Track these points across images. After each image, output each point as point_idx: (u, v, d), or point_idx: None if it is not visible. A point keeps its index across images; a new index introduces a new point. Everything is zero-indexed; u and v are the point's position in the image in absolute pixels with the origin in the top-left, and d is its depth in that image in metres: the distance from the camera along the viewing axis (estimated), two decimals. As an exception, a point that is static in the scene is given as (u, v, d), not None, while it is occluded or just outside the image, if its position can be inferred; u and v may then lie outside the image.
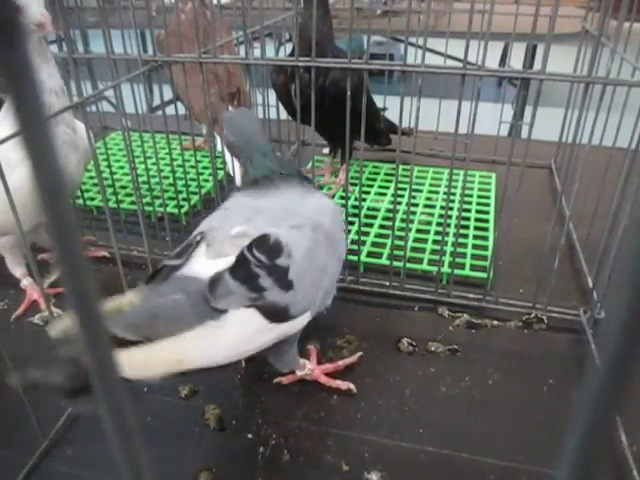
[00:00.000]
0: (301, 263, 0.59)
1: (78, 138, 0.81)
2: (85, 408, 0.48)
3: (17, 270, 0.86)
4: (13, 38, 0.10)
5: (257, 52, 0.78)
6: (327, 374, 0.71)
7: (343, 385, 0.70)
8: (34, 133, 0.12)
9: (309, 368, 0.70)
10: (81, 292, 0.14)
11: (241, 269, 0.56)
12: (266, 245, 0.58)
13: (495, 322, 0.81)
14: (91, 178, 1.20)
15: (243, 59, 0.75)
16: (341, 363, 0.73)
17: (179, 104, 1.07)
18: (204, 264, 0.58)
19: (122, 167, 1.28)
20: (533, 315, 0.81)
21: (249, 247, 0.58)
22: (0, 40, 0.10)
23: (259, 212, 0.63)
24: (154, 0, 1.06)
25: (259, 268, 0.57)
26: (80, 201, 1.05)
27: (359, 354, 0.74)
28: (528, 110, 1.05)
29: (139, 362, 0.49)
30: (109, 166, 0.98)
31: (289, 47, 1.56)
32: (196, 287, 0.55)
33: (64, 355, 0.47)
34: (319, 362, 0.73)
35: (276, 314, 0.57)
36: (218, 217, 0.65)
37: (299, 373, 0.70)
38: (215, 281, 0.55)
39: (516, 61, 1.62)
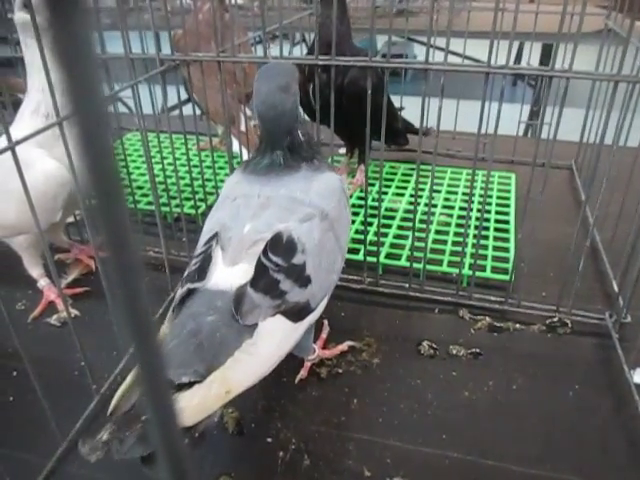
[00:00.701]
0: (316, 256, 0.59)
1: None
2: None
3: (34, 270, 0.86)
4: (73, 12, 0.09)
5: (273, 52, 0.77)
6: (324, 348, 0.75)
7: (344, 347, 0.75)
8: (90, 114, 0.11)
9: (317, 353, 0.71)
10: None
11: (262, 279, 0.56)
12: (280, 245, 0.58)
13: (518, 325, 0.79)
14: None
15: (261, 58, 0.74)
16: (323, 335, 0.76)
17: (190, 105, 1.06)
18: (225, 274, 0.58)
19: (138, 167, 1.28)
20: (557, 319, 0.79)
21: (265, 252, 0.57)
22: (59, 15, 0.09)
23: (266, 204, 0.61)
24: (170, 0, 1.06)
25: (278, 272, 0.56)
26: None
27: (348, 343, 0.76)
28: (547, 110, 1.03)
29: (196, 406, 0.48)
30: (126, 166, 0.97)
31: (302, 48, 1.56)
32: (223, 303, 0.55)
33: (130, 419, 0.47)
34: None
35: (299, 312, 0.57)
36: (228, 213, 0.63)
37: (311, 358, 0.71)
38: (239, 298, 0.55)
39: (532, 60, 1.60)
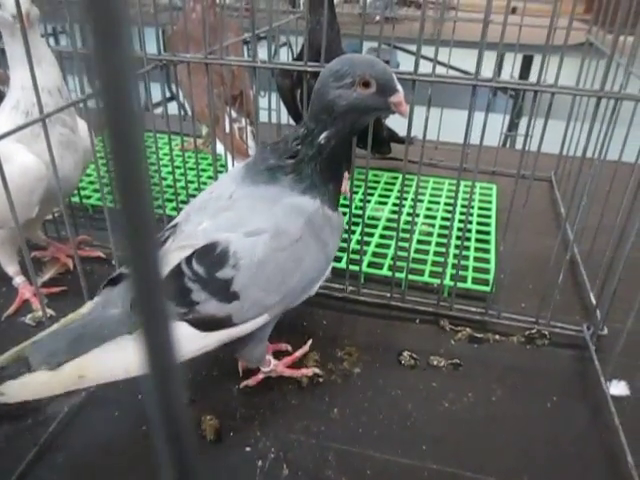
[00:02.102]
0: (251, 273, 0.57)
1: (78, 138, 0.79)
2: None
3: (10, 267, 0.83)
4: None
5: (260, 54, 0.76)
6: (289, 366, 0.73)
7: (308, 372, 0.72)
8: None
9: (274, 364, 0.70)
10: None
11: (171, 285, 0.56)
12: (210, 256, 0.57)
13: (497, 337, 0.80)
14: (88, 176, 1.18)
15: (250, 62, 0.73)
16: (297, 354, 0.74)
17: (174, 104, 1.05)
18: None
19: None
20: (536, 330, 0.80)
21: (189, 259, 0.57)
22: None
23: (230, 207, 0.61)
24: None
25: (193, 282, 0.56)
26: (76, 199, 1.02)
27: (310, 342, 0.76)
28: (524, 121, 1.05)
29: (42, 383, 0.52)
30: (108, 164, 0.96)
31: (287, 52, 1.55)
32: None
33: None
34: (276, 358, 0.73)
35: (213, 324, 0.57)
36: (197, 205, 0.64)
37: (264, 370, 0.70)
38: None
39: (509, 72, 1.62)
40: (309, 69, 0.70)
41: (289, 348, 0.76)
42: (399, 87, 0.58)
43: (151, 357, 0.15)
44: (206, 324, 0.57)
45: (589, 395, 0.71)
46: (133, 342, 0.54)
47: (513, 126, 1.91)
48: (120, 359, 0.54)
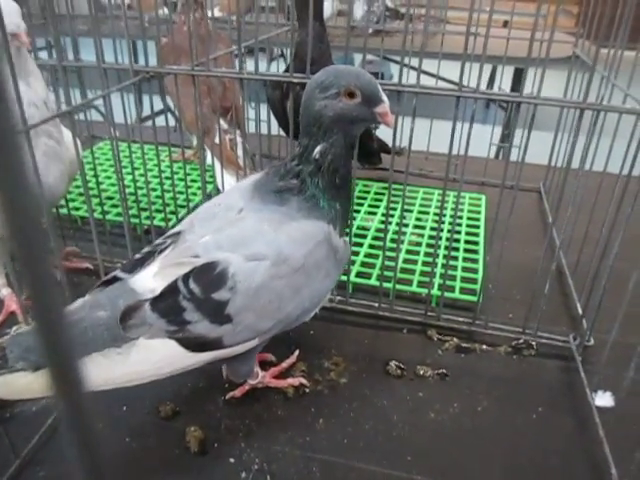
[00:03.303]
0: (247, 298, 0.56)
1: (63, 149, 0.79)
2: None
3: None
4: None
5: (250, 66, 0.77)
6: (276, 377, 0.73)
7: (295, 382, 0.72)
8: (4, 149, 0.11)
9: (261, 375, 0.70)
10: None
11: (164, 301, 0.56)
12: (209, 275, 0.56)
13: (484, 347, 0.80)
14: (77, 187, 1.18)
15: (237, 73, 0.74)
16: (284, 364, 0.74)
17: (170, 115, 1.06)
18: (150, 276, 0.58)
19: (109, 177, 1.26)
20: (522, 340, 0.80)
21: (186, 277, 0.56)
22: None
23: (235, 223, 0.60)
24: (148, 11, 1.05)
25: (188, 301, 0.55)
26: (64, 210, 1.02)
27: (297, 352, 0.76)
28: (517, 133, 1.06)
29: (22, 385, 0.52)
30: (96, 176, 0.96)
31: (278, 63, 1.56)
32: (123, 304, 0.55)
33: None
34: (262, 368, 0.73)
35: (203, 344, 0.57)
36: (203, 215, 0.63)
37: (251, 382, 0.70)
38: (131, 309, 0.55)
39: (504, 83, 1.64)
40: (295, 80, 0.70)
41: (273, 359, 0.76)
42: (384, 98, 0.58)
43: (60, 399, 0.15)
44: (195, 344, 0.56)
45: (575, 406, 0.71)
46: (120, 356, 0.54)
47: (505, 137, 1.92)
48: (105, 372, 0.54)
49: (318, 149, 0.59)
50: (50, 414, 0.65)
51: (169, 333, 0.55)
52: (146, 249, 0.62)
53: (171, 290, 0.56)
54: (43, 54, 1.27)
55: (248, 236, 0.58)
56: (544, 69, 0.66)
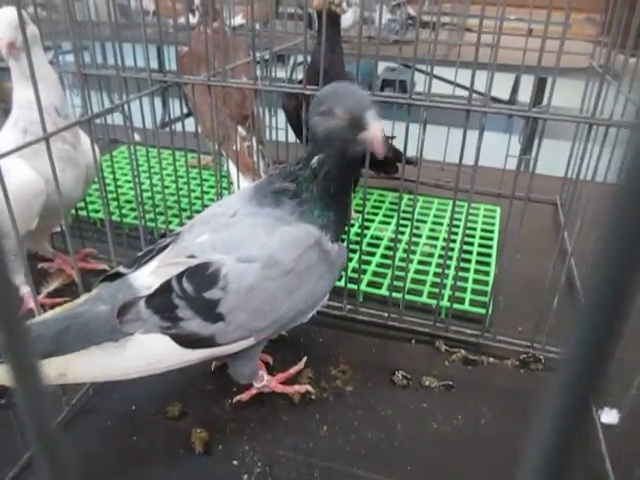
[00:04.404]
0: (238, 297, 0.58)
1: (80, 154, 0.81)
2: None
3: (16, 277, 0.85)
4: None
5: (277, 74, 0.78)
6: (283, 382, 0.73)
7: (301, 389, 0.72)
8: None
9: (267, 379, 0.71)
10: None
11: (158, 299, 0.58)
12: (202, 275, 0.58)
13: (492, 359, 0.80)
14: (96, 190, 1.21)
15: (252, 85, 0.75)
16: (292, 371, 0.75)
17: (190, 120, 1.08)
18: (149, 273, 0.61)
19: (129, 181, 1.29)
20: (530, 354, 0.80)
21: (180, 276, 0.59)
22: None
23: (230, 226, 0.63)
24: (170, 17, 1.07)
25: (180, 299, 0.58)
26: (84, 213, 1.05)
27: (304, 359, 0.77)
28: (534, 144, 1.05)
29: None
30: (115, 180, 0.98)
31: (296, 72, 1.58)
32: (122, 299, 0.58)
33: None
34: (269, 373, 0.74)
35: (196, 342, 0.59)
36: (203, 218, 0.66)
37: (257, 385, 0.71)
38: (128, 305, 0.57)
39: (526, 92, 1.63)
40: (307, 92, 0.72)
41: (270, 360, 0.77)
42: (372, 124, 0.56)
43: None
44: (188, 341, 0.58)
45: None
46: (117, 349, 0.56)
47: (527, 149, 1.91)
48: (101, 364, 0.56)
49: (316, 158, 0.61)
50: (61, 410, 0.67)
51: (163, 329, 0.57)
52: (147, 247, 0.65)
53: (165, 288, 0.58)
54: (70, 57, 1.31)
55: (242, 239, 0.61)
56: (554, 80, 0.66)
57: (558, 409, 0.16)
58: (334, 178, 0.62)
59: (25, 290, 0.86)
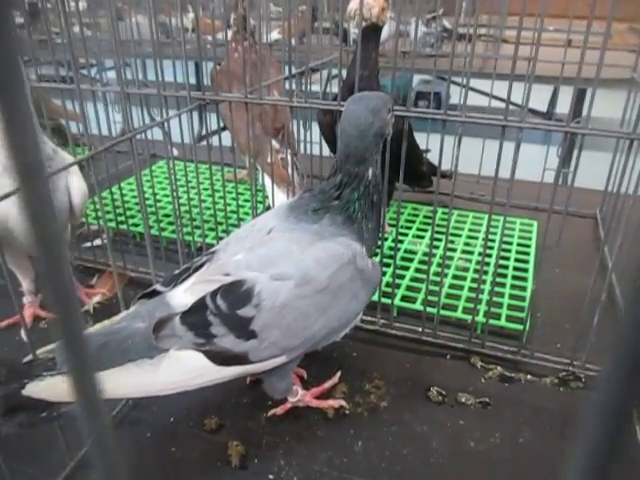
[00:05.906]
0: (272, 315, 0.59)
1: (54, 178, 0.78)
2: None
3: (23, 282, 0.88)
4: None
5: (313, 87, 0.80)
6: (317, 397, 0.74)
7: (335, 403, 0.73)
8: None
9: (301, 394, 0.71)
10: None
11: (193, 315, 0.59)
12: (235, 292, 0.59)
13: (529, 377, 0.78)
14: (137, 204, 1.24)
15: (287, 101, 0.77)
16: (326, 385, 0.75)
17: (226, 134, 1.10)
18: (185, 291, 0.62)
19: (167, 195, 1.32)
20: (570, 372, 0.78)
21: (214, 293, 0.59)
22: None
23: (265, 243, 0.64)
24: (209, 34, 1.10)
25: (214, 316, 0.59)
26: (124, 226, 1.08)
27: (338, 374, 0.77)
28: (583, 158, 1.03)
29: (62, 389, 0.53)
30: (154, 194, 1.01)
31: (331, 85, 1.59)
32: (159, 317, 0.59)
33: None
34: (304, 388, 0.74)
35: (229, 359, 0.59)
36: (238, 235, 0.68)
37: (291, 400, 0.71)
38: (163, 321, 0.58)
39: (565, 103, 1.60)
40: (342, 108, 0.72)
41: (304, 375, 0.78)
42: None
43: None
44: (222, 358, 0.59)
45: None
46: (152, 366, 0.57)
47: (566, 162, 1.87)
48: (137, 381, 0.57)
49: (371, 171, 0.64)
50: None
51: (197, 345, 0.58)
52: (184, 266, 0.67)
53: (200, 305, 0.59)
54: (111, 74, 1.35)
55: (276, 256, 0.62)
56: (594, 92, 0.65)
57: (598, 430, 0.16)
58: (379, 183, 0.66)
59: (26, 301, 0.89)
